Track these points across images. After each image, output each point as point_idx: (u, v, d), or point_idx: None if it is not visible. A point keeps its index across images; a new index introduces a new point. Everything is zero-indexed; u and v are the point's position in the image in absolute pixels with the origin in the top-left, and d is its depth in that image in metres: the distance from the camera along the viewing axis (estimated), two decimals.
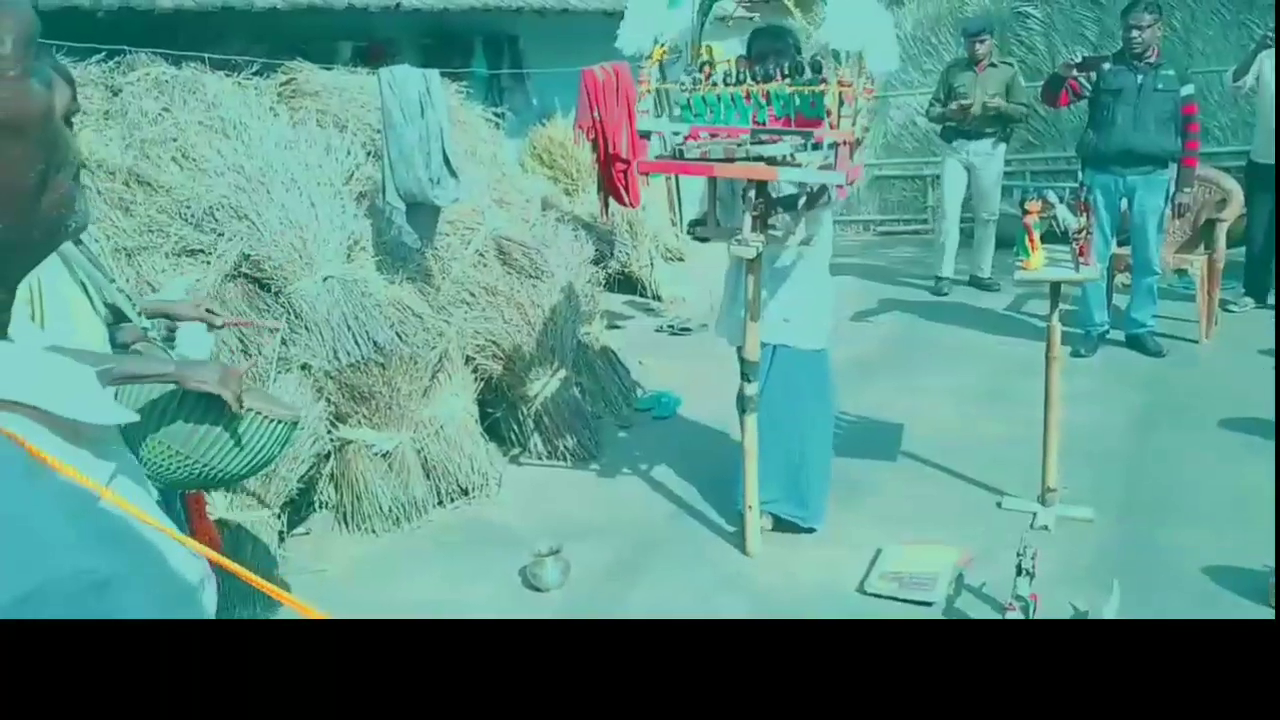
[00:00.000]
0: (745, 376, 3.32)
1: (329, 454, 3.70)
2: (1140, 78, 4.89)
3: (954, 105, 6.20)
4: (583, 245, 4.88)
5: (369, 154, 4.36)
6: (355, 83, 4.68)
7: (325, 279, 3.65)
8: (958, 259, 6.61)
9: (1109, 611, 2.76)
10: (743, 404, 3.35)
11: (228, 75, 4.12)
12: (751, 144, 3.01)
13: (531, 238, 4.51)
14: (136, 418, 2.07)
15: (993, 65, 6.23)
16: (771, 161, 2.97)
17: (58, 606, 0.52)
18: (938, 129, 6.65)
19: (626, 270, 6.59)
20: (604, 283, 5.38)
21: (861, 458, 4.07)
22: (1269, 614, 2.83)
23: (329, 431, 3.62)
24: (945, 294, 6.52)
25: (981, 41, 6.19)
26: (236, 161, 3.74)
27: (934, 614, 2.99)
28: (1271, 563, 2.98)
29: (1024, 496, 3.61)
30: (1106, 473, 3.81)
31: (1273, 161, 5.39)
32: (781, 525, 3.50)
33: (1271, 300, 5.66)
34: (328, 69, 4.80)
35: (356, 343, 3.55)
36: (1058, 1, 7.94)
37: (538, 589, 3.27)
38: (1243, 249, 5.75)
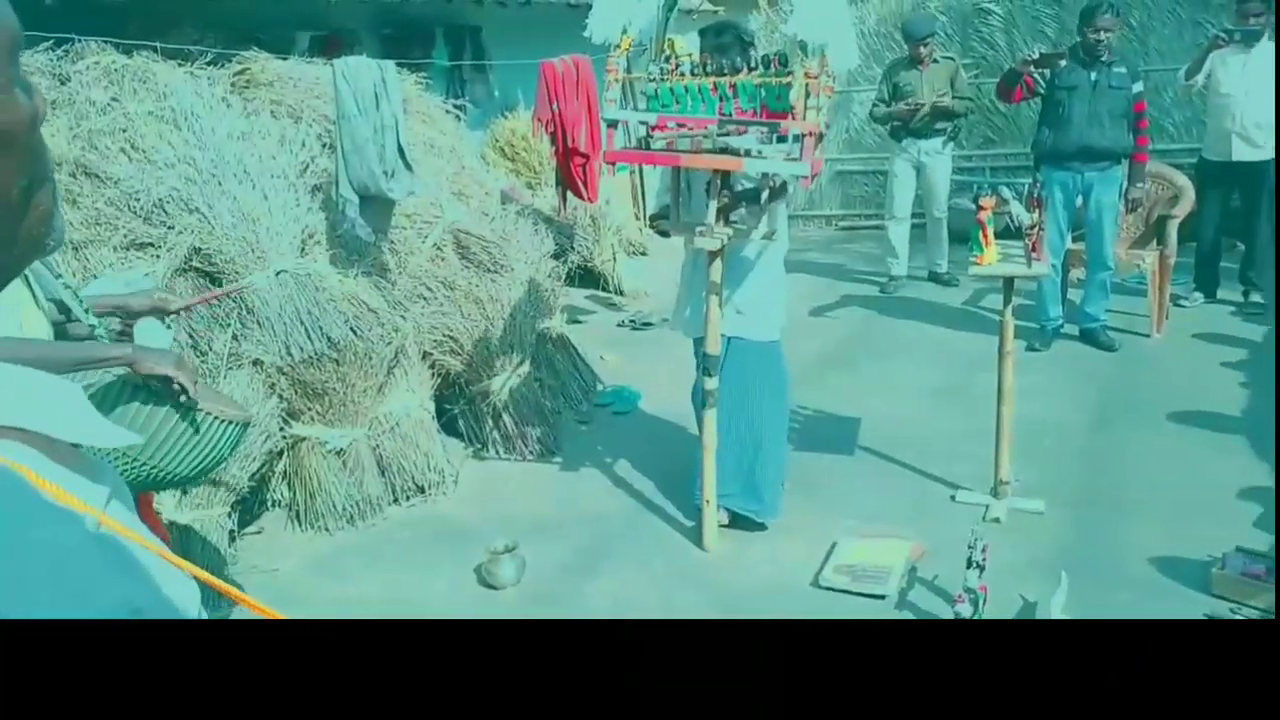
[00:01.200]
0: (705, 371, 3.32)
1: (281, 451, 3.65)
2: (1094, 75, 4.95)
3: (902, 106, 6.21)
4: (543, 239, 4.86)
5: (324, 146, 4.30)
6: (311, 73, 4.61)
7: (278, 273, 3.60)
8: (916, 256, 6.66)
9: (1056, 603, 2.80)
10: (702, 398, 3.35)
11: (180, 65, 4.04)
12: (718, 135, 3.02)
13: (491, 231, 4.48)
14: (140, 439, 2.00)
15: (934, 61, 6.25)
16: (737, 153, 2.98)
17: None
18: (885, 129, 6.68)
19: (588, 264, 6.57)
20: (565, 277, 5.36)
21: (819, 451, 4.10)
22: (1213, 605, 2.89)
23: (281, 428, 3.58)
24: (894, 293, 6.54)
25: (925, 44, 6.20)
26: (187, 153, 3.67)
27: (886, 607, 3.01)
28: (1216, 554, 3.04)
29: (977, 490, 3.65)
30: (1059, 466, 3.87)
31: (1223, 159, 5.49)
32: (738, 520, 3.51)
33: (1219, 295, 5.77)
34: (283, 59, 4.73)
35: (310, 338, 3.50)
36: None
37: (493, 586, 3.25)
38: (1194, 245, 5.85)
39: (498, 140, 6.89)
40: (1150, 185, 5.38)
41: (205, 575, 0.65)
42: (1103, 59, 4.95)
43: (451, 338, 4.16)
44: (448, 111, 5.16)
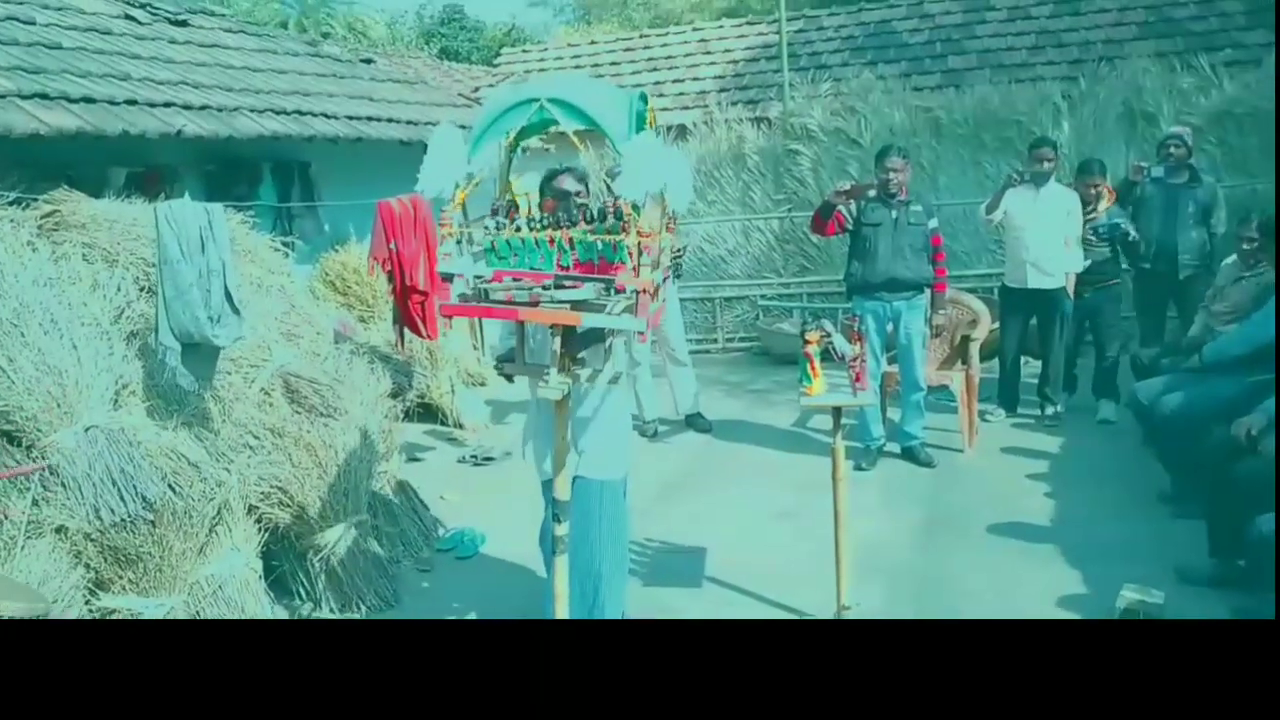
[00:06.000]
0: (556, 517, 3.28)
1: None
2: (895, 213, 5.41)
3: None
4: (379, 379, 4.75)
5: (142, 289, 4.10)
6: (129, 214, 4.42)
7: (87, 429, 3.35)
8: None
9: None
10: (551, 544, 3.30)
11: None
12: (556, 288, 3.06)
13: (323, 373, 4.35)
14: None
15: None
16: (575, 306, 3.02)
17: None
18: None
19: (426, 398, 6.45)
20: (402, 413, 5.24)
21: (664, 585, 4.10)
22: None
23: (87, 601, 3.25)
24: (651, 435, 6.33)
25: None
26: None
27: None
28: None
29: (821, 617, 3.73)
30: (895, 586, 4.01)
31: (1020, 285, 6.03)
32: None
33: (1019, 410, 6.29)
34: (98, 198, 4.52)
35: (123, 499, 3.24)
36: (823, 141, 8.72)
37: None
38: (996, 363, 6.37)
39: (328, 274, 6.77)
40: (951, 310, 5.86)
41: None
42: (899, 198, 5.42)
43: (280, 489, 3.95)
44: (275, 249, 5.04)
